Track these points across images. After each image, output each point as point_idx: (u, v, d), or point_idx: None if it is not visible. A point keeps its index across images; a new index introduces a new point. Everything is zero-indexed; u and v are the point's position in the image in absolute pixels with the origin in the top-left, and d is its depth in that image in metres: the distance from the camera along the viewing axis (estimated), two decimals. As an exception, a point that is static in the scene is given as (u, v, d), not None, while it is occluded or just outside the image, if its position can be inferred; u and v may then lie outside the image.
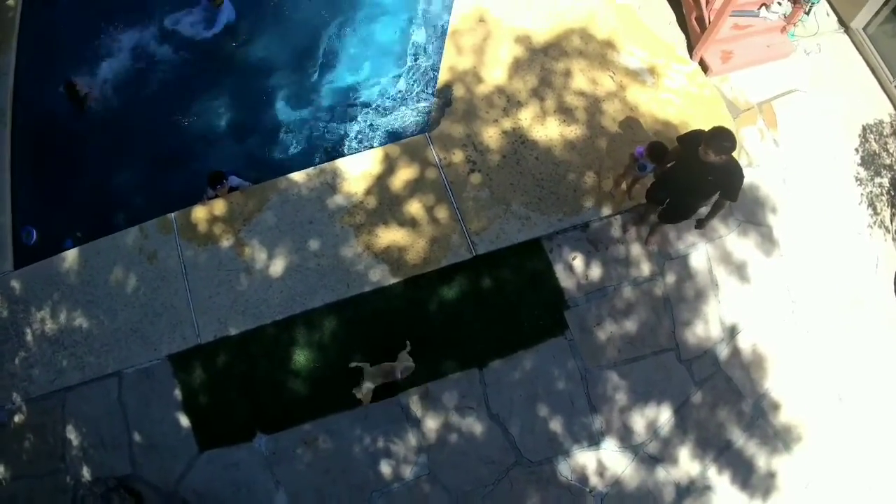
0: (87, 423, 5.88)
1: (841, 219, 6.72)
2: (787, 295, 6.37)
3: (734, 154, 5.00)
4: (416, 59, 6.91)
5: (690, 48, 7.17)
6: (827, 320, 6.32)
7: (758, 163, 6.76)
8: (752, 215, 6.54)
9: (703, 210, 5.59)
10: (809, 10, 7.18)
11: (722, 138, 4.81)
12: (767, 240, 6.50)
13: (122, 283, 6.06)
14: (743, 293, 6.26)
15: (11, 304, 6.18)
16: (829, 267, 6.50)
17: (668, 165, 5.56)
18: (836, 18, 7.68)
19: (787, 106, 7.15)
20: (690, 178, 5.22)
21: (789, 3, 7.29)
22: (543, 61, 6.76)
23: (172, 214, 6.18)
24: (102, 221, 6.31)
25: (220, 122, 6.70)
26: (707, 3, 6.84)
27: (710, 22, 6.81)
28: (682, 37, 7.28)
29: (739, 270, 6.33)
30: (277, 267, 5.95)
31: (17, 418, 6.03)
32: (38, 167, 6.51)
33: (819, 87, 7.35)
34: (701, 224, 5.57)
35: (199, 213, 6.15)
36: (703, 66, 7.05)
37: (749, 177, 6.79)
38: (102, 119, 6.64)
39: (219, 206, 6.16)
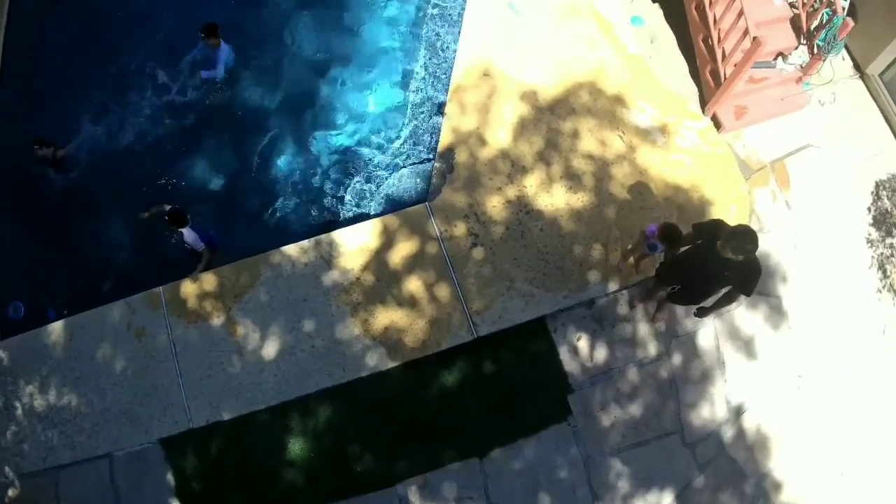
0: (80, 503, 5.74)
1: (850, 284, 6.54)
2: (794, 369, 6.24)
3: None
4: (417, 119, 6.54)
5: (703, 102, 6.84)
6: (831, 392, 6.21)
7: (769, 228, 6.53)
8: (762, 286, 6.27)
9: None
10: (826, 58, 6.87)
11: (744, 239, 4.56)
12: (777, 312, 6.32)
13: (111, 360, 5.82)
14: (749, 371, 6.12)
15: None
16: (835, 335, 6.35)
17: (682, 250, 5.32)
18: (851, 63, 7.35)
19: (800, 162, 6.88)
20: (705, 269, 4.99)
21: (807, 54, 6.96)
22: (550, 120, 6.41)
23: (160, 288, 5.90)
24: (87, 293, 6.03)
25: (209, 186, 6.34)
26: (723, 57, 6.48)
27: (725, 77, 6.46)
28: (695, 89, 6.94)
29: (747, 346, 6.17)
30: (271, 349, 5.72)
31: (10, 492, 5.88)
32: (17, 234, 6.18)
33: (833, 139, 7.07)
34: (703, 313, 5.36)
35: (189, 287, 5.87)
36: (716, 123, 6.74)
37: (760, 244, 6.60)
38: (83, 182, 6.27)
39: (209, 281, 5.88)
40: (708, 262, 4.86)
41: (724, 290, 5.04)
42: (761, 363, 6.15)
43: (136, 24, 6.87)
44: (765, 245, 6.46)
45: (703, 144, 6.62)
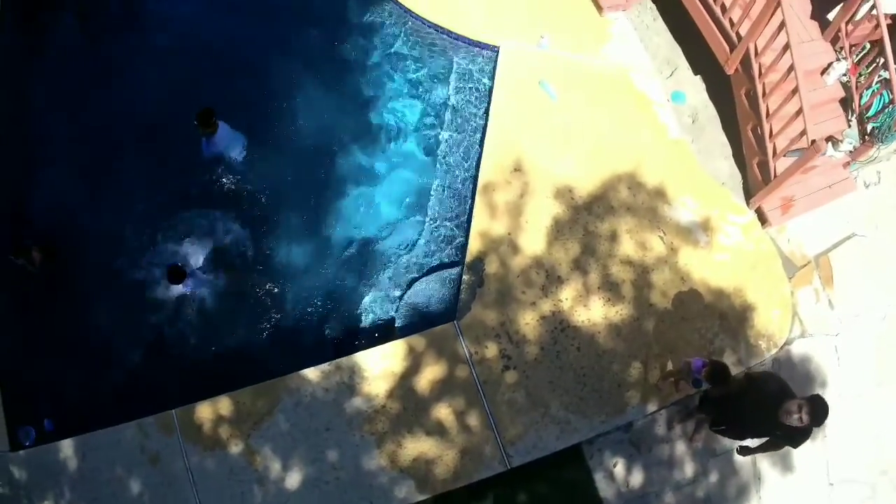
0: None
1: (887, 388, 6.33)
2: (826, 477, 6.08)
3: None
4: (441, 224, 6.01)
5: (747, 190, 6.40)
6: (861, 499, 6.10)
7: (811, 331, 6.23)
8: (801, 392, 6.09)
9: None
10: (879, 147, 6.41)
11: (817, 415, 4.38)
12: (815, 420, 6.10)
13: (126, 484, 5.46)
14: (784, 485, 5.93)
15: (14, 489, 5.61)
16: (866, 440, 6.18)
17: (732, 393, 5.03)
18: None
19: (844, 255, 6.52)
20: (755, 422, 4.78)
21: (857, 139, 6.48)
22: (587, 221, 5.96)
23: (174, 411, 5.51)
24: (96, 411, 5.62)
25: (217, 302, 5.84)
26: (773, 153, 5.99)
27: (775, 175, 6.00)
28: (738, 174, 6.49)
29: (783, 460, 5.96)
30: (293, 480, 5.40)
31: None
32: (17, 347, 5.70)
33: (878, 224, 6.72)
34: (746, 452, 5.15)
35: (204, 411, 5.49)
36: (761, 217, 6.32)
37: (801, 347, 6.33)
38: (76, 278, 5.74)
39: (224, 406, 5.49)
40: (759, 418, 4.67)
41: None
42: (796, 476, 5.96)
43: (133, 103, 6.23)
44: (805, 349, 6.24)
45: (747, 241, 6.22)
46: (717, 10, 6.14)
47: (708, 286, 6.00)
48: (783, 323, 6.10)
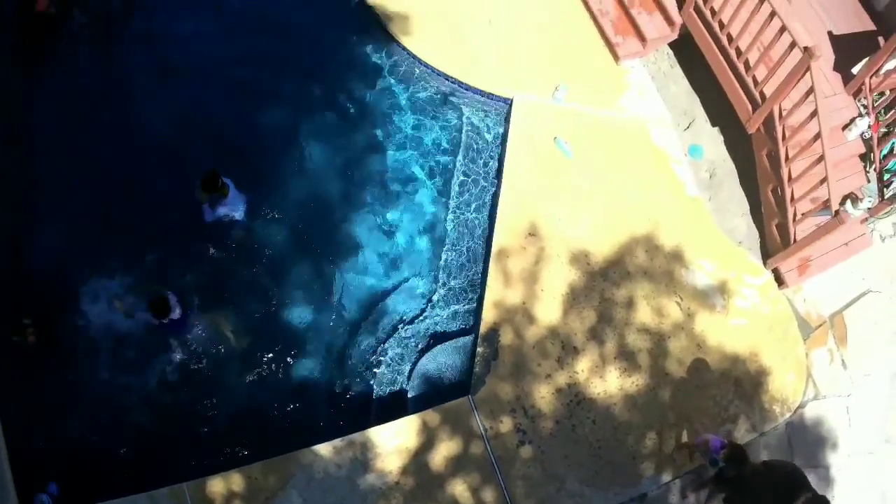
0: None
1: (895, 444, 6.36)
2: (834, 536, 6.14)
3: None
4: (453, 290, 5.84)
5: (764, 249, 6.30)
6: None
7: (824, 393, 6.20)
8: (811, 458, 6.08)
9: None
10: (894, 198, 6.31)
11: None
12: (823, 481, 6.08)
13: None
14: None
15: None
16: (872, 496, 6.24)
17: (748, 476, 5.00)
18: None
19: (859, 312, 6.47)
20: None
21: (876, 196, 6.35)
22: (603, 288, 5.82)
23: (185, 485, 5.39)
24: (107, 481, 5.47)
25: (225, 374, 5.66)
26: (794, 217, 5.85)
27: (795, 239, 5.88)
28: (755, 232, 6.37)
29: (794, 522, 6.00)
30: (307, 559, 5.35)
31: None
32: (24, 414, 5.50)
33: (893, 278, 6.66)
34: None
35: (216, 485, 5.37)
36: (778, 278, 6.24)
37: (814, 410, 6.31)
38: (78, 355, 5.54)
39: (236, 481, 5.37)
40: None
41: None
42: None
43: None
44: (818, 411, 6.22)
45: (763, 303, 6.13)
46: (741, 66, 5.93)
47: (724, 352, 5.92)
48: (797, 386, 6.07)
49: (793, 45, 5.41)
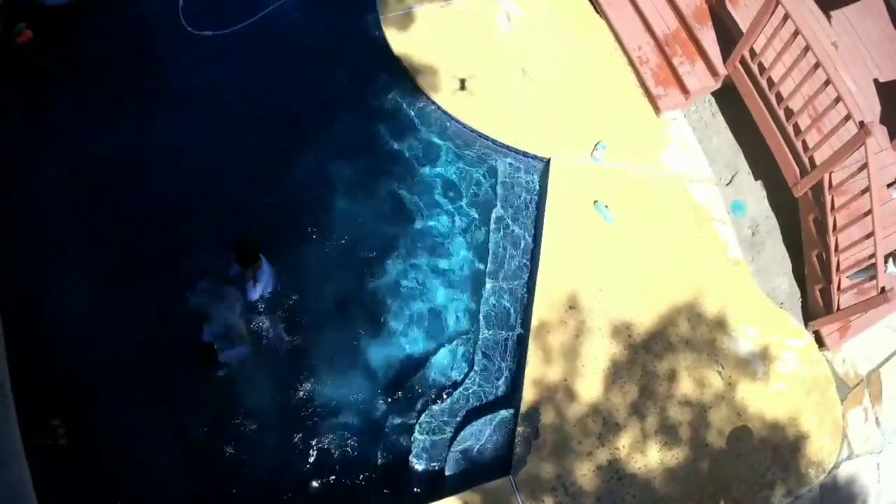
0: None
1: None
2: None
3: None
4: (492, 363, 5.68)
5: (805, 312, 6.16)
6: None
7: (858, 451, 6.20)
8: (842, 518, 6.16)
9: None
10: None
11: None
12: (855, 540, 6.20)
13: None
14: None
15: None
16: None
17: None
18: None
19: (894, 368, 6.41)
20: None
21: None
22: (645, 361, 5.71)
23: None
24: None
25: (256, 449, 5.51)
26: (839, 286, 5.70)
27: (838, 306, 5.76)
28: (797, 293, 6.22)
29: (825, 582, 6.10)
30: None
31: None
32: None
33: (928, 330, 6.58)
34: None
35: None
36: (818, 340, 6.12)
37: (847, 469, 6.32)
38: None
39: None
40: None
41: None
42: None
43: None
44: (851, 470, 6.23)
45: (803, 366, 6.05)
46: (790, 129, 5.66)
47: (763, 419, 5.87)
48: (833, 448, 6.05)
49: (848, 117, 5.16)
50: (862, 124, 5.00)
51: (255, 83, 6.31)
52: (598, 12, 6.60)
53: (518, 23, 6.53)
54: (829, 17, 6.39)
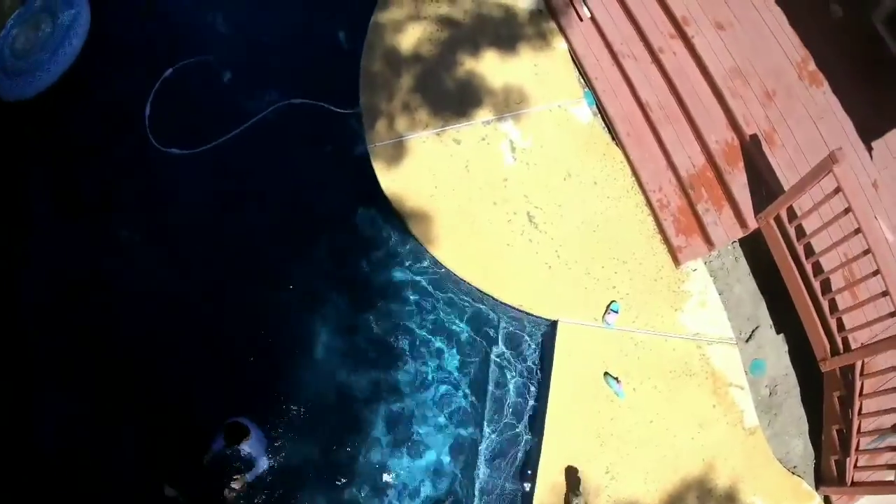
0: None
1: None
2: None
3: None
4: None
5: (818, 475, 5.80)
6: None
7: None
8: None
9: None
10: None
11: None
12: None
13: None
14: None
15: None
16: None
17: None
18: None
19: None
20: None
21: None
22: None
23: None
24: None
25: None
26: (855, 464, 5.34)
27: (853, 482, 5.42)
28: (811, 455, 5.84)
29: None
30: None
31: None
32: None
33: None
34: None
35: None
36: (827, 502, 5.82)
37: None
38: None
39: None
40: None
41: None
42: None
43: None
44: None
45: (811, 533, 5.79)
46: (824, 303, 5.12)
47: (769, 592, 5.65)
48: None
49: (893, 314, 4.63)
50: (908, 327, 4.50)
51: (218, 218, 5.58)
52: (614, 139, 5.85)
53: (523, 154, 5.75)
54: (870, 152, 5.75)
